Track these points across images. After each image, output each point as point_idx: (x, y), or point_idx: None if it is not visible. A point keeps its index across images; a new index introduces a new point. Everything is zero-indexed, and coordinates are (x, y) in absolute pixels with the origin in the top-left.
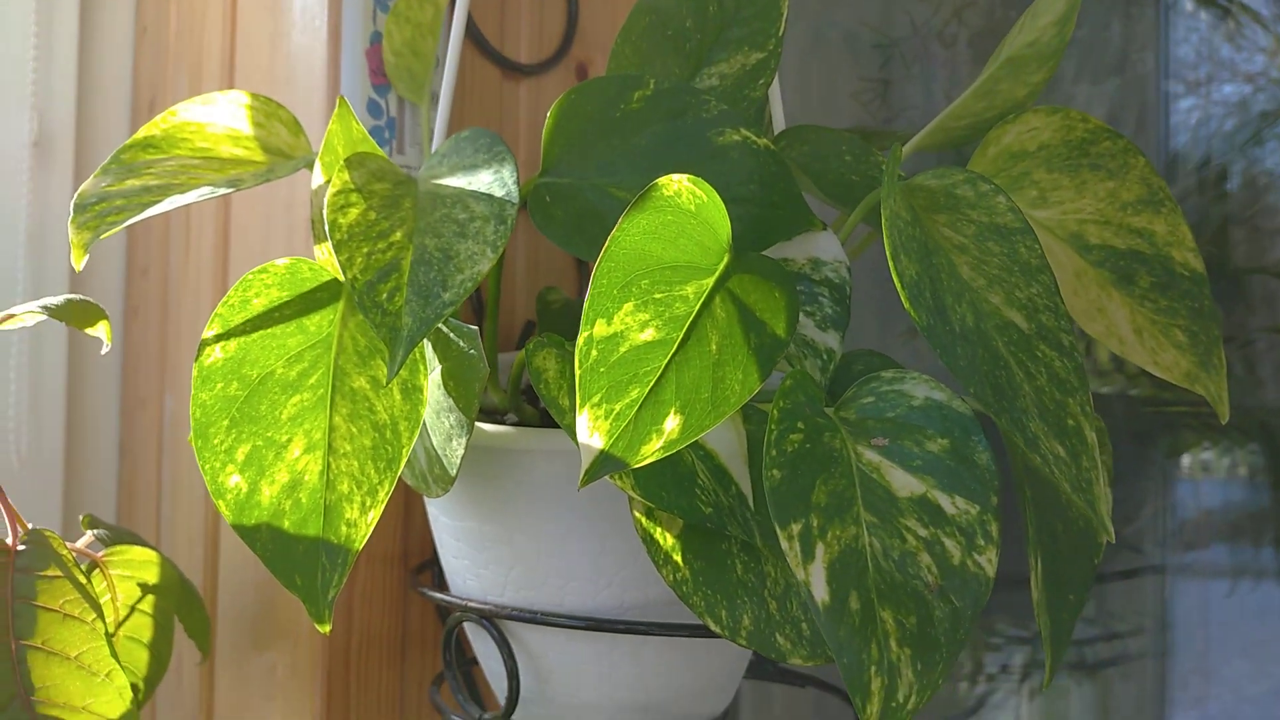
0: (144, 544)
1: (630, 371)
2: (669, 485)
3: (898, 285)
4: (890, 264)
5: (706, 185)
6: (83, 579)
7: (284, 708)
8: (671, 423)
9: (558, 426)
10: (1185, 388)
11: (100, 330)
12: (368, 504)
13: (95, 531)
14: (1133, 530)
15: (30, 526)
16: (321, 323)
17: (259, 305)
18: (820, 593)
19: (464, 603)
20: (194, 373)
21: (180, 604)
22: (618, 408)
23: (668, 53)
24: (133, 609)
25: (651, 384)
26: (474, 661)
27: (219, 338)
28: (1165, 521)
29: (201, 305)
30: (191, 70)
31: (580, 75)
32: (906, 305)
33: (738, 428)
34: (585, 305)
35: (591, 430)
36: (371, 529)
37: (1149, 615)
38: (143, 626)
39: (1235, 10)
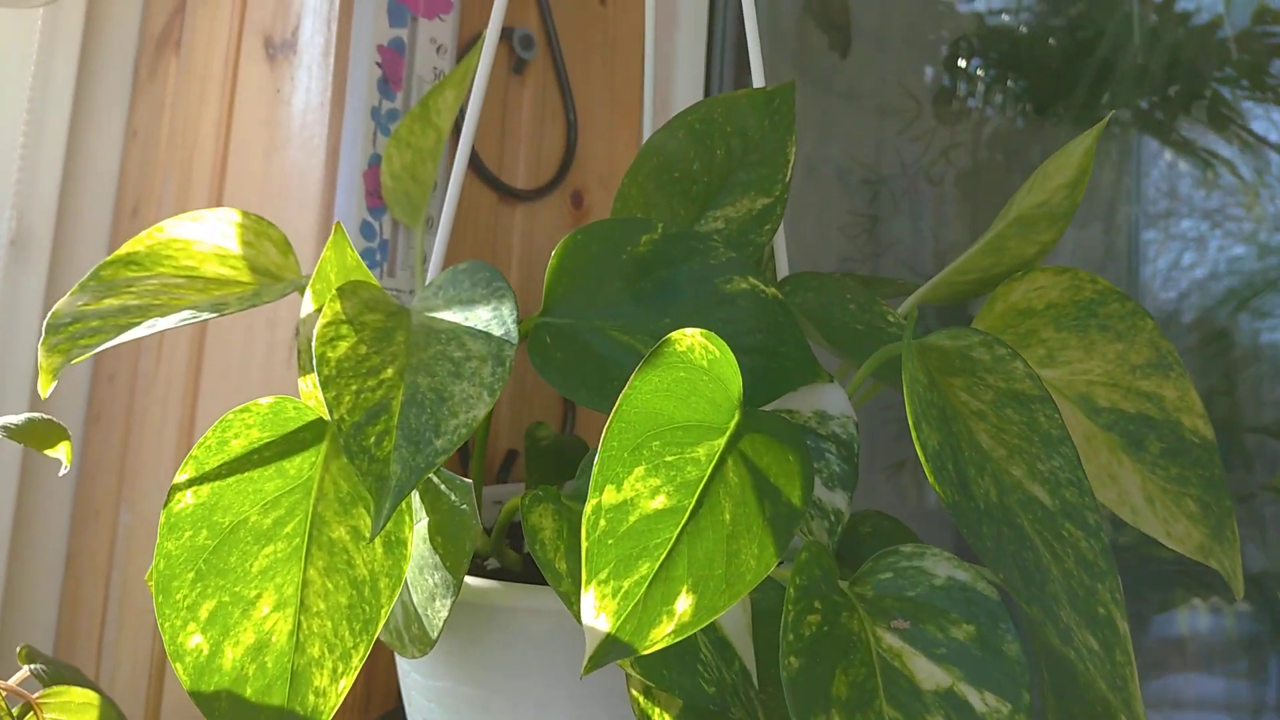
0: (85, 682)
1: (640, 544)
2: (670, 662)
3: (921, 457)
4: (913, 433)
5: (719, 340)
6: None
7: None
8: (683, 603)
9: (541, 578)
10: (1199, 560)
11: (60, 451)
12: (340, 670)
13: (32, 667)
14: None
15: None
16: (303, 465)
17: (237, 447)
18: None
19: None
20: (161, 520)
21: None
22: (626, 585)
23: (674, 195)
24: None
25: (662, 558)
26: None
27: (192, 482)
28: (1151, 683)
29: (169, 416)
30: (180, 178)
31: (575, 202)
32: (931, 479)
33: (743, 597)
34: (594, 470)
35: (598, 610)
36: (341, 699)
37: None
38: None
39: (1216, 162)
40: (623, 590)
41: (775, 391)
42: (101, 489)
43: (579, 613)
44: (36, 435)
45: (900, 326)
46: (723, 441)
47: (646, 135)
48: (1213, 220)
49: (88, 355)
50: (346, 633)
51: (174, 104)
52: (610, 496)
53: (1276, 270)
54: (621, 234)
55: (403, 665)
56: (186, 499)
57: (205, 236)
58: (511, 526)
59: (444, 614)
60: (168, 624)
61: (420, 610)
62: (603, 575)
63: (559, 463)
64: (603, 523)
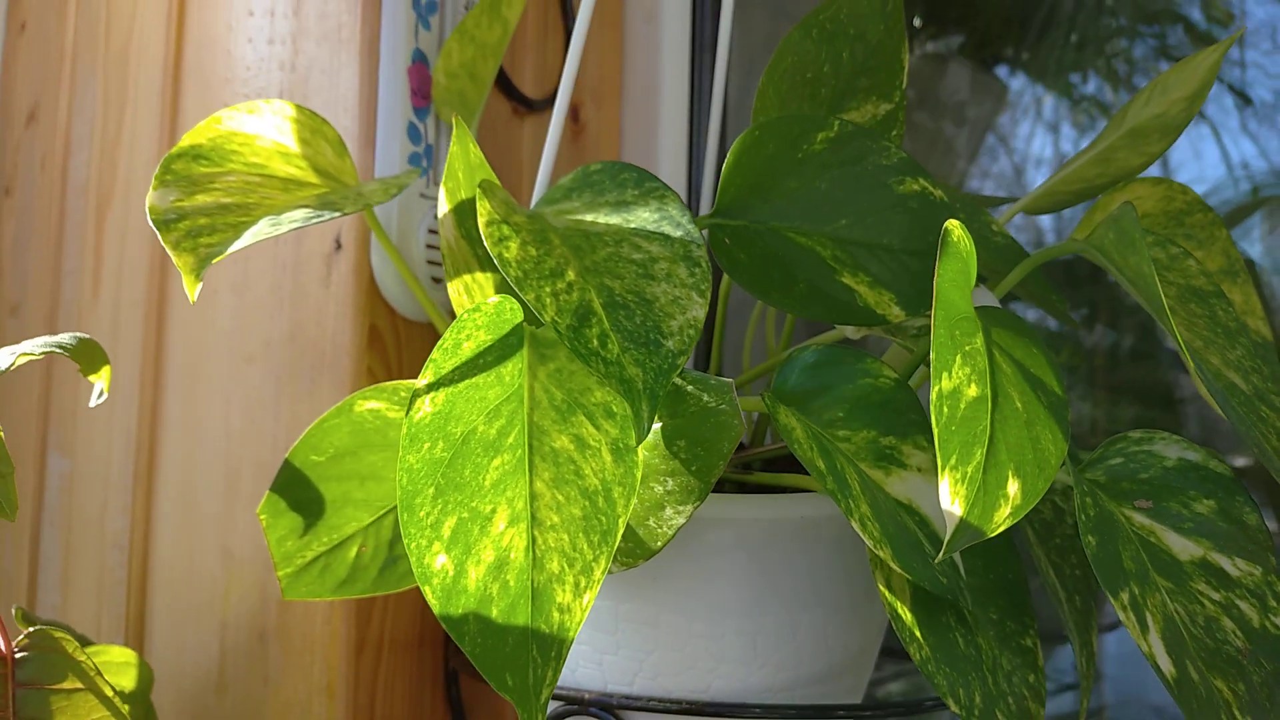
0: (87, 641)
1: (970, 430)
2: (913, 552)
3: (1180, 345)
4: (1169, 321)
5: (968, 230)
6: (109, 691)
7: None
8: (1013, 487)
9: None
10: None
11: (100, 382)
12: (582, 585)
13: (33, 629)
14: None
15: (33, 626)
16: (514, 372)
17: (468, 350)
18: (1165, 665)
19: (579, 693)
20: (404, 431)
21: (147, 713)
22: (969, 470)
23: (804, 96)
24: None
25: (987, 444)
26: None
27: (430, 388)
28: None
29: (125, 351)
30: (112, 73)
31: (573, 117)
32: (1190, 366)
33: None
34: (932, 356)
35: (953, 496)
36: (586, 614)
37: None
38: None
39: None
40: (967, 475)
41: None
42: (15, 435)
43: (849, 509)
44: (86, 356)
45: (1005, 237)
46: (981, 334)
47: (628, 49)
48: None
49: (222, 256)
50: (585, 545)
51: None
52: (945, 383)
53: None
54: (799, 131)
55: None
56: (425, 407)
57: (265, 131)
58: None
59: (678, 522)
60: (414, 544)
61: (636, 523)
62: (953, 461)
63: None
64: (945, 409)
